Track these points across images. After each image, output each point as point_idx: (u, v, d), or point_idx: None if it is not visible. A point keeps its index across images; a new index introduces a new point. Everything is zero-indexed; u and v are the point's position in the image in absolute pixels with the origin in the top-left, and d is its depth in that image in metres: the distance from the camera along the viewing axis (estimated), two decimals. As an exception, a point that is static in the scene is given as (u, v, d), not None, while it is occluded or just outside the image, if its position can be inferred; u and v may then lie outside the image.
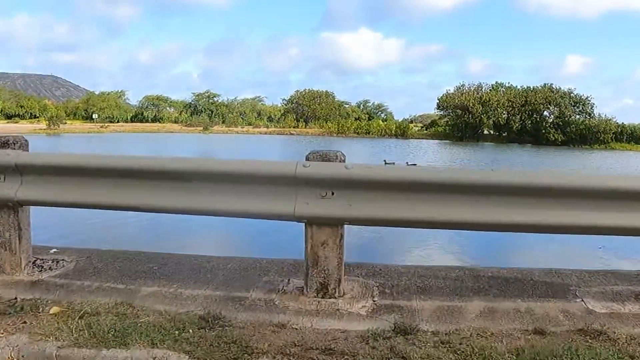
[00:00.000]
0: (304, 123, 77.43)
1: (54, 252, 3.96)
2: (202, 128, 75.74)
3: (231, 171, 3.16)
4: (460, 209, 3.03)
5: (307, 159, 3.12)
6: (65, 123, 77.67)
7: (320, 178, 3.05)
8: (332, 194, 3.08)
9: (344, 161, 3.11)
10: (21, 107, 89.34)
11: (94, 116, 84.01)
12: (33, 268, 3.55)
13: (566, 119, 72.54)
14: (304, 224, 3.13)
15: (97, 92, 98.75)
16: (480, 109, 70.13)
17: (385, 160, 33.37)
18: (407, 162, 33.01)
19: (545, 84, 75.80)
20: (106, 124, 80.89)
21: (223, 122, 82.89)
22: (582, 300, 3.22)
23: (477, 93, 72.30)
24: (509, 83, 78.80)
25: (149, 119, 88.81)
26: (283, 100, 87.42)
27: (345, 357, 2.45)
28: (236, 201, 3.11)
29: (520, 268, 3.86)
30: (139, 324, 2.68)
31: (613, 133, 72.80)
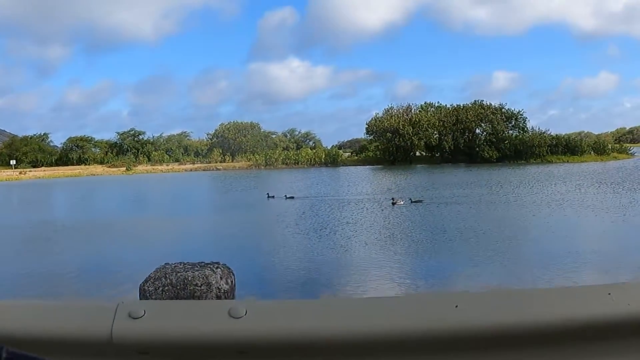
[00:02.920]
0: (230, 157, 73.55)
1: None
2: (125, 168, 71.44)
3: None
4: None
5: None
6: (-16, 171, 72.86)
7: None
8: None
9: None
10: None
11: (11, 162, 79.03)
12: None
13: (499, 135, 71.16)
14: None
15: (20, 136, 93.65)
16: (411, 130, 67.86)
17: (267, 194, 28.71)
18: (285, 196, 28.38)
19: (475, 101, 74.35)
20: (26, 170, 76.46)
21: (149, 160, 78.45)
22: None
23: (407, 115, 70.03)
24: (438, 102, 77.01)
25: (74, 161, 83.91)
26: (208, 134, 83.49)
27: None
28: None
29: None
30: None
31: (548, 146, 71.79)
